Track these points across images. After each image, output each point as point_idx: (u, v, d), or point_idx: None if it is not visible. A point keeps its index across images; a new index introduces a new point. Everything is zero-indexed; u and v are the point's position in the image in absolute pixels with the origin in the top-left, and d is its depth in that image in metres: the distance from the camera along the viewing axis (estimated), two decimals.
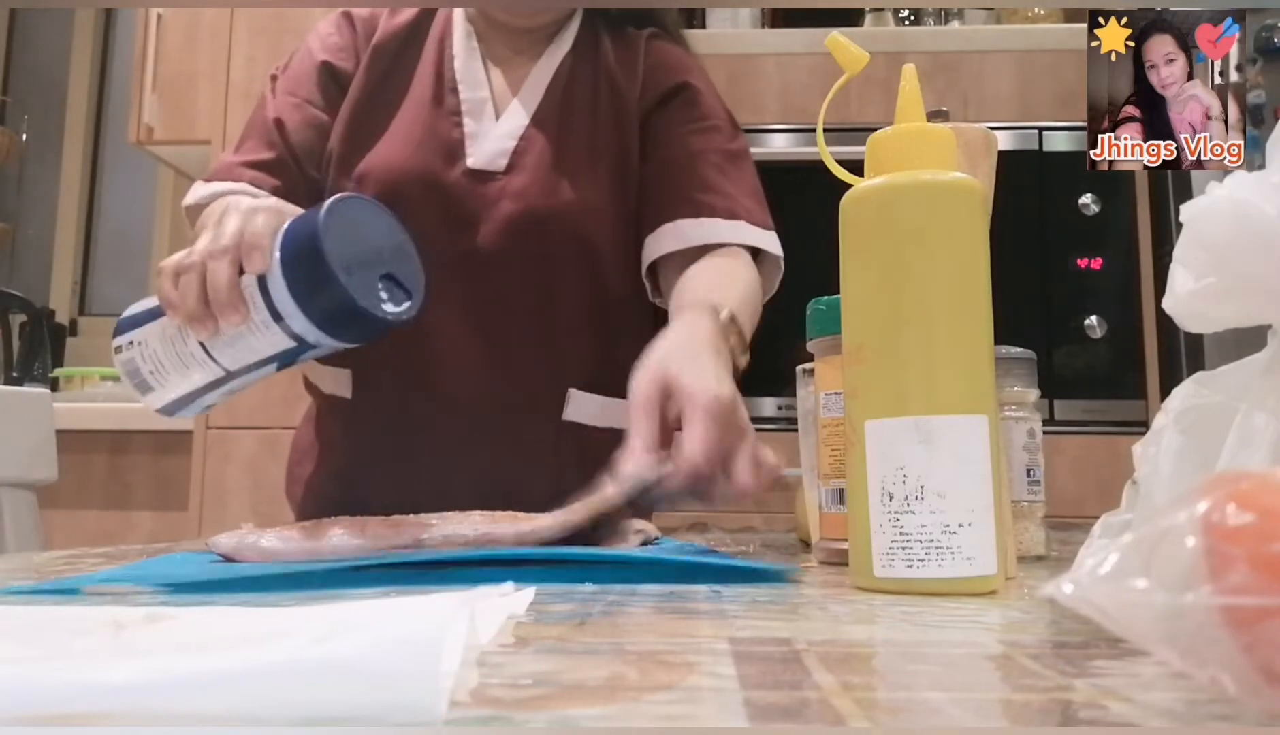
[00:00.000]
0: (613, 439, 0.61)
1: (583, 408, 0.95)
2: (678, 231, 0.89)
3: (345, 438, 0.96)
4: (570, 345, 0.94)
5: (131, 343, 0.66)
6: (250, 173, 0.90)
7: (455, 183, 0.91)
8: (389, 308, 0.60)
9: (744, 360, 0.72)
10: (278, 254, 0.59)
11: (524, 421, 0.93)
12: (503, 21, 0.97)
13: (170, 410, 0.68)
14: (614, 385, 0.89)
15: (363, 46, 0.98)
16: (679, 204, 0.91)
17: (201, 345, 0.63)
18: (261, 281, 0.60)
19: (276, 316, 0.60)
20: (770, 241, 0.92)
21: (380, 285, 0.61)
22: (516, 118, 0.95)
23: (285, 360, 0.64)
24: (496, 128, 0.94)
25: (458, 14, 0.99)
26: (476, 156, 0.93)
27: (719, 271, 0.85)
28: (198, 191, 0.91)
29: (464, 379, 0.92)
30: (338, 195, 0.61)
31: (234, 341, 0.62)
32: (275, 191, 0.87)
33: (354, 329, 0.61)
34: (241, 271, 0.60)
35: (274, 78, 0.98)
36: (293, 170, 0.93)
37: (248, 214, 0.62)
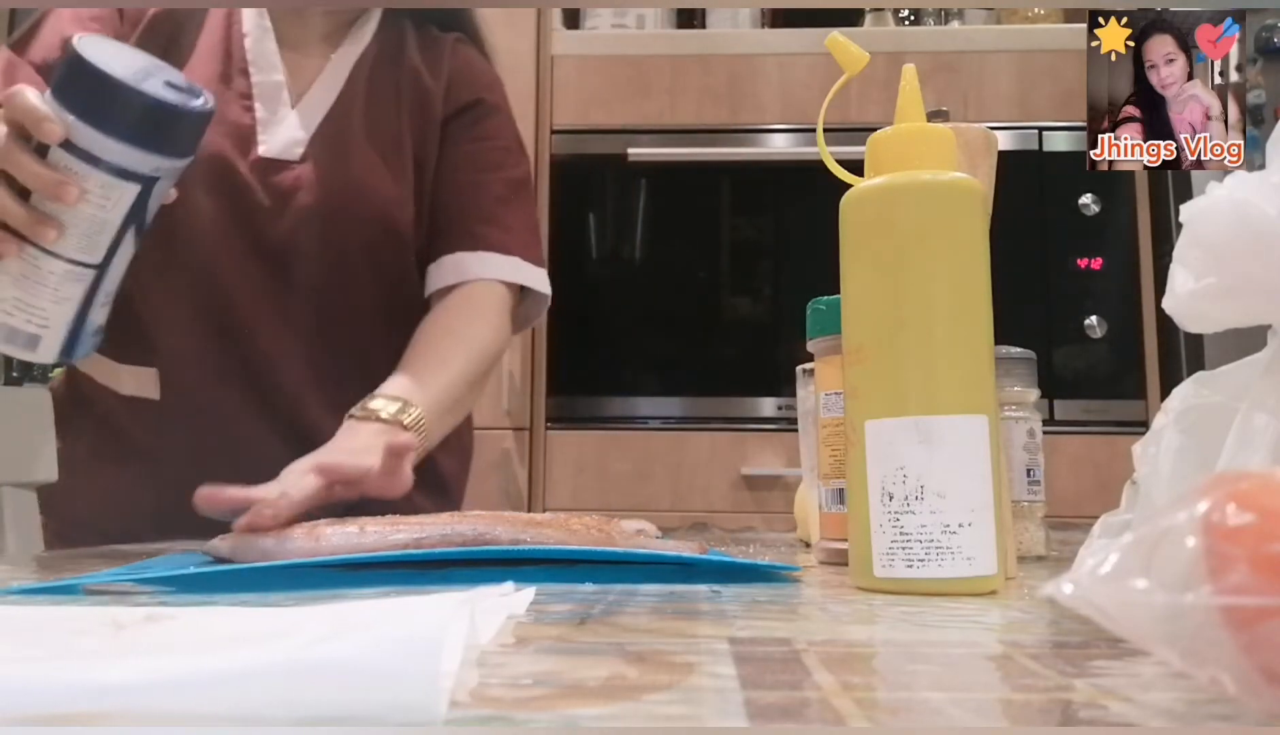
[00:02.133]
0: None
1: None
2: (457, 265, 0.92)
3: (154, 440, 0.90)
4: (378, 341, 0.91)
5: None
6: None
7: (249, 170, 0.88)
8: (194, 102, 0.60)
9: (436, 438, 0.81)
10: (65, 111, 0.58)
11: (339, 416, 0.92)
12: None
13: (69, 350, 0.65)
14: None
15: (127, 20, 0.90)
16: (460, 235, 0.92)
17: (52, 254, 0.61)
18: (66, 145, 0.59)
19: (98, 163, 0.58)
20: (541, 280, 0.95)
21: (168, 90, 0.60)
22: (314, 106, 0.91)
23: (137, 219, 0.63)
24: (292, 115, 0.90)
25: None
26: (269, 144, 0.88)
27: (452, 334, 0.88)
28: None
29: (276, 373, 0.89)
30: (74, 36, 0.61)
31: (80, 226, 0.60)
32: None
33: (175, 133, 0.61)
34: (40, 152, 0.59)
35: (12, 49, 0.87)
36: None
37: (4, 98, 0.60)
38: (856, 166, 0.48)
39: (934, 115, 0.52)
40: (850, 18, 2.03)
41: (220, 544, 0.53)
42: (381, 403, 0.75)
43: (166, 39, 0.90)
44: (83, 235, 0.61)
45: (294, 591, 0.42)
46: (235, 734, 0.19)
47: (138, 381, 0.91)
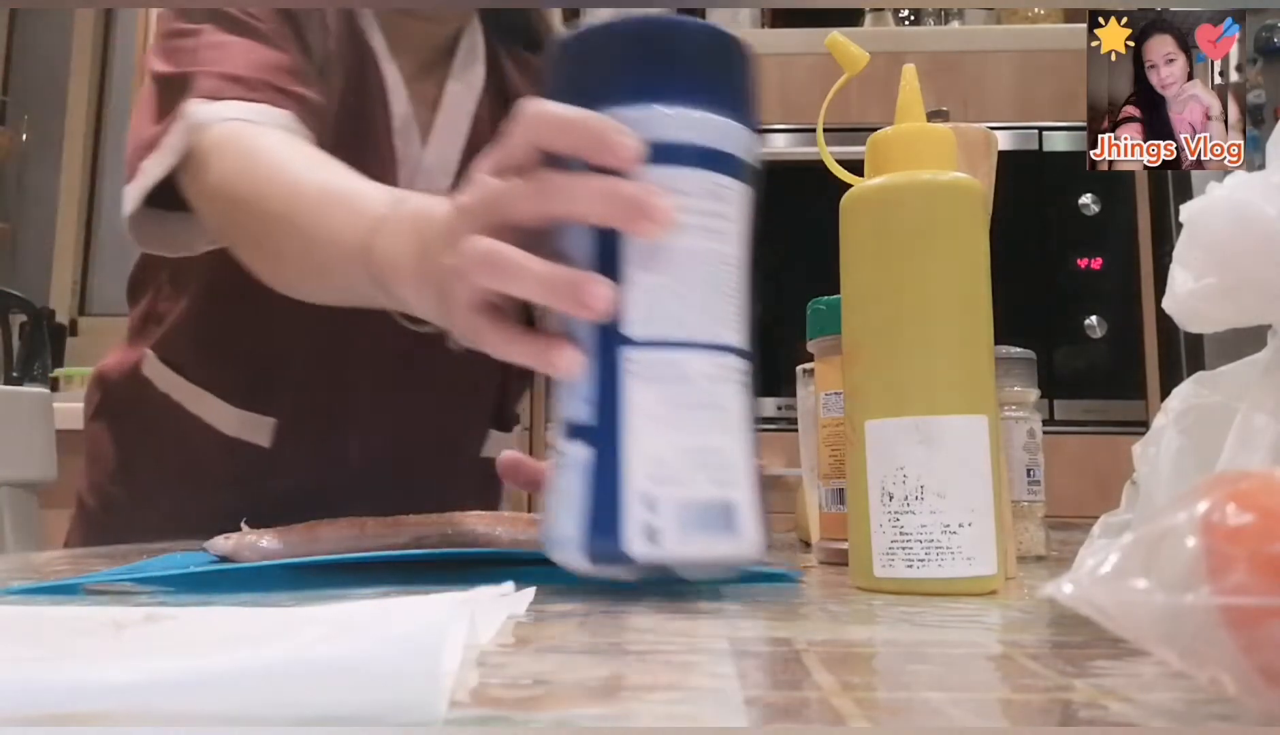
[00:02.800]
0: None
1: (496, 446, 0.96)
2: None
3: (257, 483, 0.85)
4: (488, 388, 0.94)
5: None
6: (282, 96, 0.69)
7: None
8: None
9: None
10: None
11: (445, 462, 0.92)
12: (418, 15, 0.83)
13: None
14: (513, 421, 0.95)
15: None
16: None
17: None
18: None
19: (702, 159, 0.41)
20: None
21: None
22: (443, 148, 0.84)
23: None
24: (425, 156, 0.84)
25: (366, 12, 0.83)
26: (409, 188, 0.81)
27: None
28: (203, 112, 0.67)
29: (385, 425, 0.89)
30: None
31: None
32: (301, 103, 0.70)
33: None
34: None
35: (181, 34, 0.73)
36: (312, 78, 0.74)
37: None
38: (856, 166, 0.48)
39: (934, 115, 0.52)
40: (850, 18, 2.03)
41: (221, 543, 0.53)
42: None
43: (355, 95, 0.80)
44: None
45: (294, 591, 0.42)
46: (235, 734, 0.19)
47: (245, 426, 0.86)
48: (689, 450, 0.39)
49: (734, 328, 0.41)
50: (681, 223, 0.39)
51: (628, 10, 0.42)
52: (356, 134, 0.79)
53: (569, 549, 0.40)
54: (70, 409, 1.83)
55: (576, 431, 0.40)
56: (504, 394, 0.98)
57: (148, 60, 0.76)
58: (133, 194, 0.72)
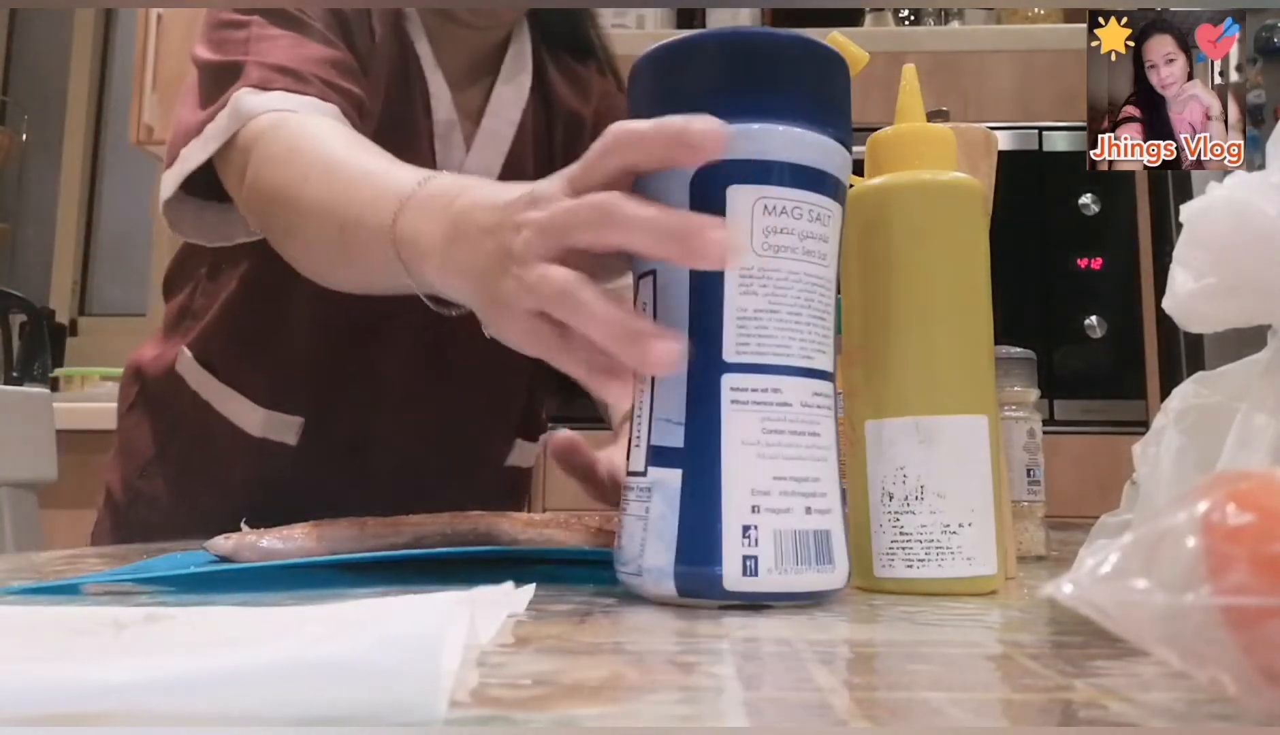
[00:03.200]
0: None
1: (522, 454, 0.97)
2: None
3: (281, 484, 0.85)
4: (516, 396, 0.95)
5: None
6: (325, 87, 0.69)
7: None
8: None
9: None
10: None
11: (470, 468, 0.92)
12: (465, 21, 0.83)
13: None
14: (539, 429, 0.94)
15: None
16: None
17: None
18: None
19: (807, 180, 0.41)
20: None
21: None
22: (487, 154, 0.84)
23: None
24: (467, 162, 0.84)
25: (410, 14, 0.84)
26: None
27: None
28: (251, 102, 0.67)
29: (411, 427, 0.89)
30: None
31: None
32: (348, 99, 0.71)
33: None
34: None
35: (228, 25, 0.73)
36: (358, 72, 0.74)
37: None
38: (856, 166, 0.48)
39: (934, 115, 0.52)
40: (850, 18, 2.03)
41: (221, 543, 0.53)
42: None
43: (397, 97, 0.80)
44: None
45: (294, 591, 0.42)
46: (235, 734, 0.19)
47: (272, 426, 0.86)
48: (787, 478, 0.38)
49: (827, 353, 0.40)
50: (785, 245, 0.39)
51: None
52: (398, 136, 0.78)
53: (655, 578, 0.38)
54: (70, 409, 1.84)
55: (664, 456, 0.39)
56: (530, 399, 0.97)
57: (194, 50, 0.76)
58: (170, 179, 0.71)
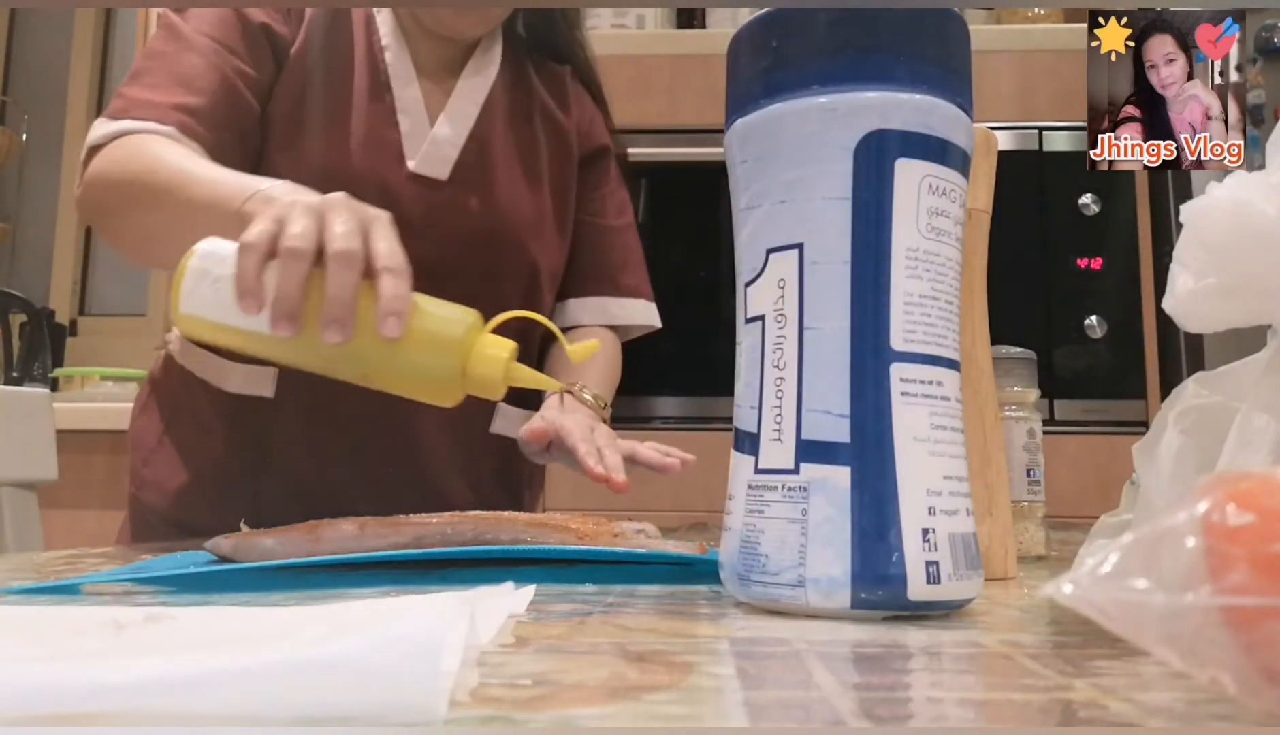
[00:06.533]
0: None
1: (508, 422, 0.97)
2: (602, 309, 1.01)
3: (262, 436, 0.90)
4: None
5: None
6: (179, 117, 0.80)
7: (401, 186, 0.88)
8: None
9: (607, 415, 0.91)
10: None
11: (453, 432, 0.92)
12: (434, 29, 0.91)
13: None
14: (532, 399, 0.95)
15: (294, 14, 0.90)
16: (602, 281, 1.01)
17: None
18: None
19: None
20: (656, 316, 1.05)
21: None
22: (453, 126, 0.91)
23: None
24: (433, 132, 0.90)
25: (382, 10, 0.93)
26: (416, 160, 0.89)
27: (603, 358, 0.97)
28: (104, 128, 0.80)
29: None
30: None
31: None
32: (203, 144, 0.80)
33: None
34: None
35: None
36: (220, 124, 0.84)
37: (368, 223, 0.59)
38: None
39: None
40: None
41: (222, 543, 0.53)
42: (594, 397, 0.87)
43: (323, 37, 0.90)
44: None
45: (294, 591, 0.42)
46: (235, 734, 0.19)
47: (249, 379, 0.90)
48: (953, 478, 0.35)
49: (958, 343, 0.38)
50: (943, 229, 0.36)
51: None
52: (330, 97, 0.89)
53: (825, 590, 0.34)
54: (70, 409, 1.84)
55: (823, 451, 0.35)
56: None
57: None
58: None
